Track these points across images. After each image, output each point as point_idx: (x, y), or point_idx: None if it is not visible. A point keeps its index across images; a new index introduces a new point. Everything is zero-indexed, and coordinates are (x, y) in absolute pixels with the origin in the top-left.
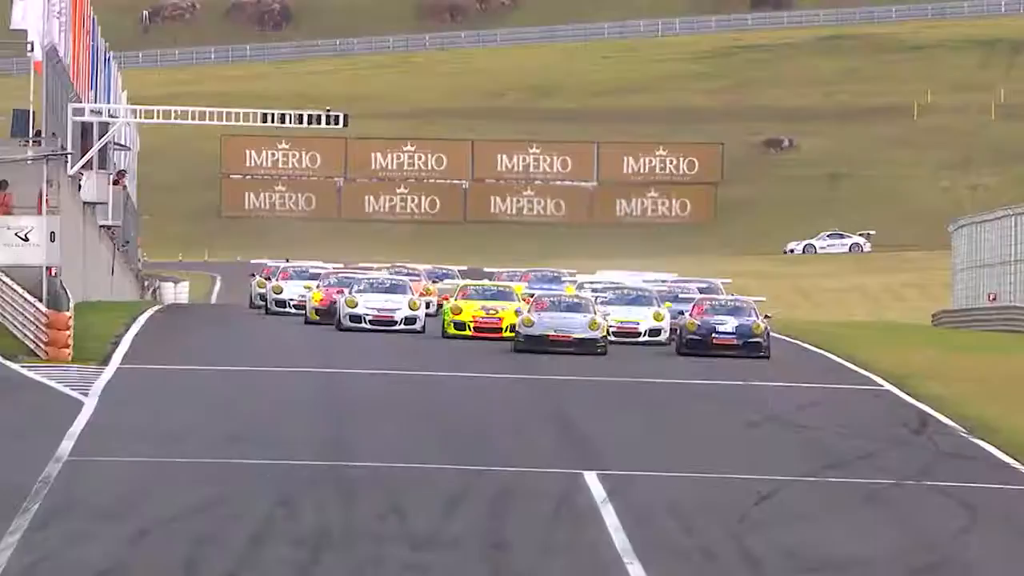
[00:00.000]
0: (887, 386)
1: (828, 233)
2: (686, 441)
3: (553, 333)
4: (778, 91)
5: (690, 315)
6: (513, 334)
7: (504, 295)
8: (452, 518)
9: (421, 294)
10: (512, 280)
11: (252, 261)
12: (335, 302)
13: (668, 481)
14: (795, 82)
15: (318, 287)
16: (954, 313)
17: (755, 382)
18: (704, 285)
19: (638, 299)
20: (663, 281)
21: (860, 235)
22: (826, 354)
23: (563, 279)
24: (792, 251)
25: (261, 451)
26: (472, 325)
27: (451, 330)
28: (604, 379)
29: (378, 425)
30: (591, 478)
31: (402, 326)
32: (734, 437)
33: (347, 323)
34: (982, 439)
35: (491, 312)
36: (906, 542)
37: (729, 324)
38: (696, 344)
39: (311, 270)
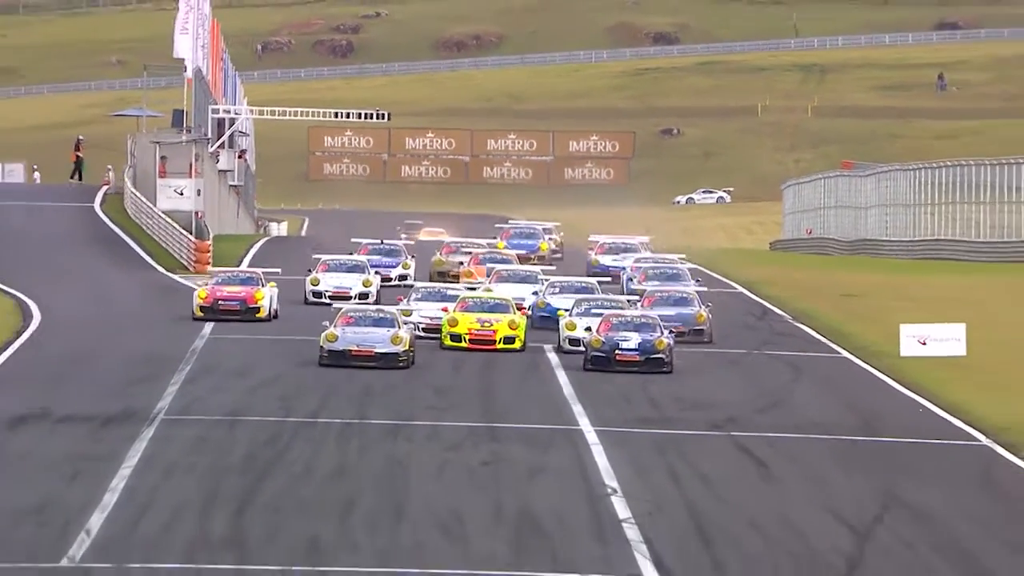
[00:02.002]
0: (740, 289)
1: (702, 190)
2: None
3: (355, 348)
4: (670, 98)
5: (596, 331)
6: (506, 345)
7: (500, 308)
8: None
9: (472, 276)
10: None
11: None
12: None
13: None
14: (681, 92)
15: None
16: (784, 242)
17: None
18: (633, 242)
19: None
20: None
21: (723, 191)
22: (703, 269)
23: (538, 236)
24: (678, 202)
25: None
26: (467, 337)
27: (448, 341)
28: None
29: None
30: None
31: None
32: None
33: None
34: (803, 324)
35: (485, 324)
36: (753, 391)
37: (632, 340)
38: (600, 360)
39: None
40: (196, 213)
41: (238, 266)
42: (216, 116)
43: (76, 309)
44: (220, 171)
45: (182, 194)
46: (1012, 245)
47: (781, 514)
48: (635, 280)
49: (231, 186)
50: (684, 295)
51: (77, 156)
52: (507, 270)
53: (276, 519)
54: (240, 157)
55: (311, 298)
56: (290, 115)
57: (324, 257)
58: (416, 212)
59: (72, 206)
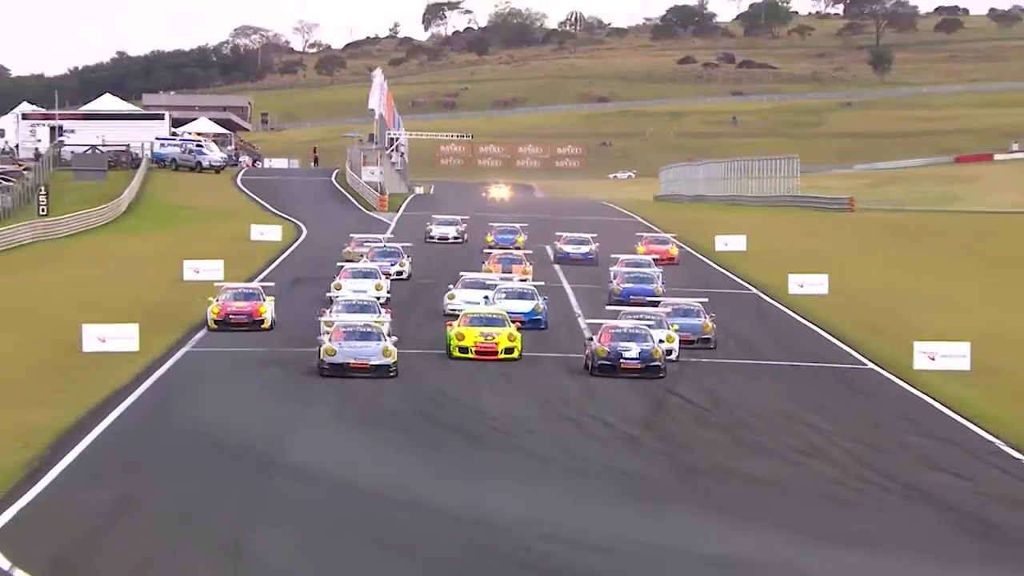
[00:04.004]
0: (638, 218)
1: (622, 172)
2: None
3: (353, 361)
4: (606, 127)
5: (598, 341)
6: (506, 355)
7: (497, 321)
8: None
9: (524, 272)
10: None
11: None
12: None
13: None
14: (613, 124)
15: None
16: (660, 197)
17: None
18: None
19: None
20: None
21: (632, 172)
22: (625, 211)
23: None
24: (611, 177)
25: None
26: (474, 349)
27: (456, 353)
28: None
29: None
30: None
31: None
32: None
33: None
34: (669, 233)
35: (488, 338)
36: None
37: (633, 350)
38: (606, 367)
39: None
40: (380, 184)
41: (400, 207)
42: (389, 136)
43: (321, 227)
44: (391, 163)
45: (373, 174)
46: (772, 198)
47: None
48: (615, 282)
49: (396, 170)
50: (690, 307)
51: (315, 156)
52: (471, 278)
53: None
54: (401, 155)
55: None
56: (424, 135)
57: (347, 265)
58: (487, 181)
59: (320, 179)
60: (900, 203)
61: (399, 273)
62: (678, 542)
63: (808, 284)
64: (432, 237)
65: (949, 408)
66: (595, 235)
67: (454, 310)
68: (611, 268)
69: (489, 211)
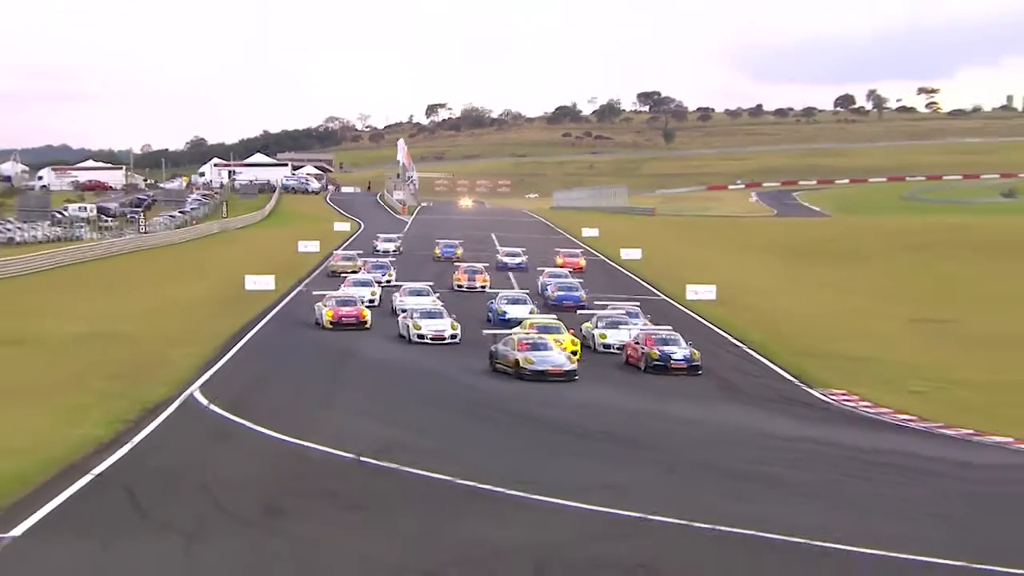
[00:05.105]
0: (542, 219)
1: (530, 194)
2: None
3: (551, 367)
4: (526, 170)
5: (646, 345)
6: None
7: (554, 329)
8: None
9: (483, 280)
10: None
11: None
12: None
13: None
14: (530, 170)
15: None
16: (554, 208)
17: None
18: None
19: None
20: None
21: (535, 194)
22: (535, 215)
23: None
24: (528, 197)
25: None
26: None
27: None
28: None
29: None
30: None
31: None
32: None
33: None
34: (575, 238)
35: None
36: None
37: (679, 353)
38: (659, 368)
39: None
40: (401, 202)
41: (415, 212)
42: (407, 175)
43: (371, 222)
44: (409, 189)
45: (399, 195)
46: (612, 208)
47: None
48: (549, 289)
49: (411, 193)
50: (673, 338)
51: (369, 184)
52: (411, 287)
53: None
54: (414, 185)
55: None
56: (426, 175)
57: (350, 277)
58: (459, 199)
59: (370, 199)
60: (679, 211)
61: (388, 281)
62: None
63: (630, 254)
64: (376, 250)
65: (704, 319)
66: (525, 248)
67: (403, 310)
68: (538, 279)
69: (457, 215)
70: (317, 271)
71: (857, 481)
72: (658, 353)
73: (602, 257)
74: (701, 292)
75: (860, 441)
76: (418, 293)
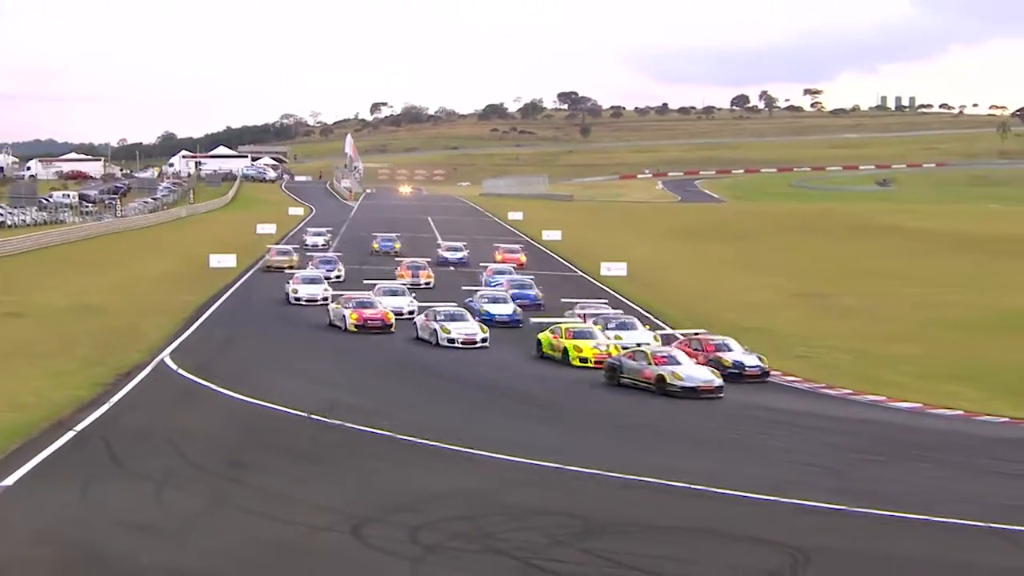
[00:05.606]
0: (475, 205)
1: (464, 182)
2: None
3: (702, 384)
4: (459, 161)
5: (707, 352)
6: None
7: (591, 334)
8: None
9: (427, 276)
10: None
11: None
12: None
13: None
14: (464, 161)
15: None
16: (484, 195)
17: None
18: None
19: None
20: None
21: (467, 182)
22: (467, 201)
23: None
24: (460, 184)
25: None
26: (594, 359)
27: (577, 363)
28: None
29: None
30: None
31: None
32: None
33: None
34: (502, 220)
35: (603, 349)
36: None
37: (753, 360)
38: (735, 376)
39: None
40: (348, 189)
41: (359, 198)
42: (353, 165)
43: (322, 208)
44: (355, 178)
45: (345, 183)
46: (534, 195)
47: None
48: (502, 287)
49: (357, 181)
50: (726, 342)
51: (320, 175)
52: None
53: None
54: (359, 174)
55: (292, 301)
56: (370, 165)
57: (298, 274)
58: (399, 186)
59: (321, 186)
60: (594, 197)
61: (337, 277)
62: None
63: (550, 235)
64: (306, 244)
65: (615, 291)
66: (466, 243)
67: (298, 300)
68: (482, 276)
69: (397, 201)
70: (283, 240)
71: (756, 435)
72: (731, 361)
73: (527, 238)
74: (613, 269)
75: (757, 400)
76: (393, 293)
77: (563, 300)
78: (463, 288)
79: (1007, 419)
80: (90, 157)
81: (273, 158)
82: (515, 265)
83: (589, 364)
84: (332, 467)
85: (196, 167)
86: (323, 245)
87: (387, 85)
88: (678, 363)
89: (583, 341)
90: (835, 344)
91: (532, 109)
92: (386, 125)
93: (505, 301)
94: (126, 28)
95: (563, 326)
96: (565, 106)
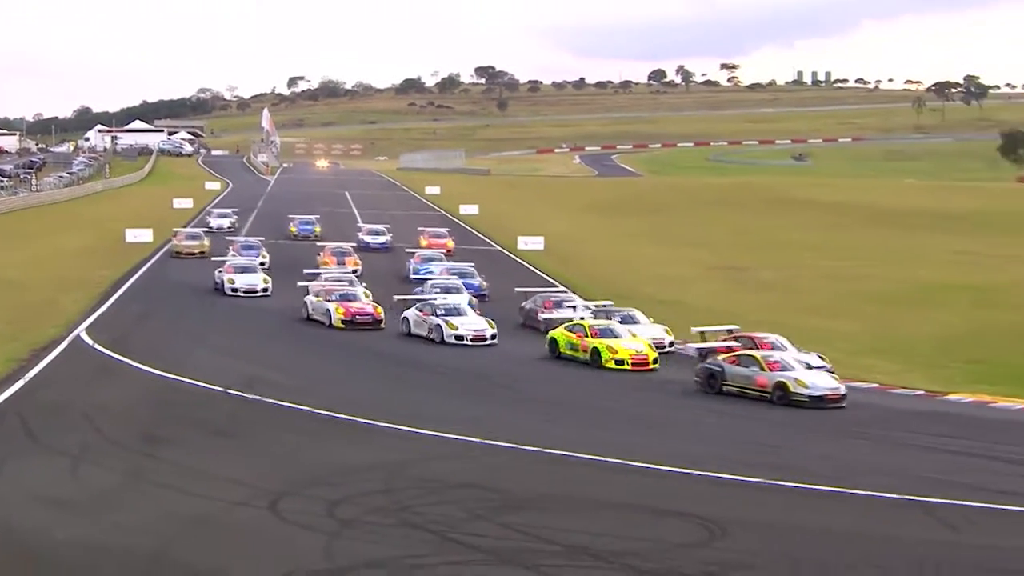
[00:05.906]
0: (389, 178)
1: (381, 156)
2: None
3: (828, 393)
4: (394, 140)
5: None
6: (654, 365)
7: (616, 333)
8: None
9: (354, 263)
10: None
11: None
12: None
13: None
14: (397, 134)
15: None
16: (402, 168)
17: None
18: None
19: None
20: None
21: (385, 157)
22: (385, 176)
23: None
24: (378, 159)
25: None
26: (631, 361)
27: (611, 365)
28: None
29: None
30: None
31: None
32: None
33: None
34: (421, 196)
35: (639, 352)
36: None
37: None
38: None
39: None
40: (265, 163)
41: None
42: (271, 140)
43: (239, 183)
44: (272, 152)
45: (262, 158)
46: (450, 170)
47: None
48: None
49: (274, 155)
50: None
51: (237, 149)
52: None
53: None
54: (276, 148)
55: (229, 292)
56: (288, 139)
57: (229, 261)
58: (315, 161)
59: (238, 160)
60: (511, 171)
61: (262, 264)
62: None
63: (468, 209)
64: (210, 227)
65: (531, 264)
66: (389, 226)
67: (235, 291)
68: (409, 263)
69: (314, 175)
70: (193, 222)
71: (672, 410)
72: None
73: (443, 212)
74: (530, 243)
75: (677, 376)
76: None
77: (517, 290)
78: (410, 279)
79: (922, 392)
80: (5, 132)
81: (190, 132)
82: (444, 251)
83: (626, 367)
84: (250, 442)
85: (112, 141)
86: (228, 228)
87: (304, 59)
88: (792, 368)
89: (615, 341)
90: (755, 318)
91: (449, 83)
92: (303, 99)
93: (459, 291)
94: (40, 1)
95: (586, 323)
96: (482, 80)
